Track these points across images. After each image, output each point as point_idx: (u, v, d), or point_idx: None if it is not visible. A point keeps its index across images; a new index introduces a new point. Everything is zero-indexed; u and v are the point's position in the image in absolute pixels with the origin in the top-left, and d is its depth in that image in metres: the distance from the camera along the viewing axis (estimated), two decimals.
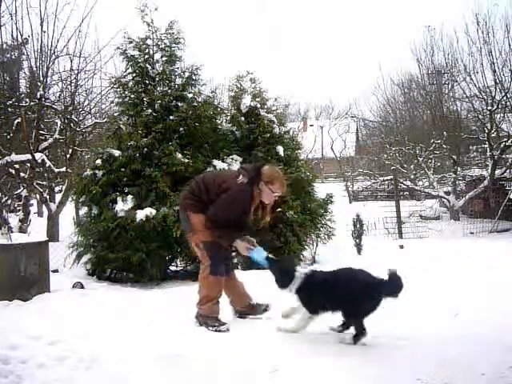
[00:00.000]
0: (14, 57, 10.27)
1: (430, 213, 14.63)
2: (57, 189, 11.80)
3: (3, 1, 8.56)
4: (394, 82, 19.87)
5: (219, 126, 7.26)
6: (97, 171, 6.48)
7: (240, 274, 4.90)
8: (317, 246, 7.73)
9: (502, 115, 13.65)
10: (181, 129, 6.72)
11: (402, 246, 9.49)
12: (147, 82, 6.90)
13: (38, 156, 8.76)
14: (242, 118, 7.39)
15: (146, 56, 6.93)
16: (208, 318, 4.02)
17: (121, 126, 6.85)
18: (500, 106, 13.03)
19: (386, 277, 3.65)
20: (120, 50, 6.97)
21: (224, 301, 4.21)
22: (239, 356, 3.39)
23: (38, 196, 10.51)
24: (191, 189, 4.12)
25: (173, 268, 6.97)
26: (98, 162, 6.52)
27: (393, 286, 3.62)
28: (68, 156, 10.23)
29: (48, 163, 9.41)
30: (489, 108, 12.92)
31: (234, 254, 5.05)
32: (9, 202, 9.28)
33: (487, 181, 13.05)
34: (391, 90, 20.40)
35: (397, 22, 58.81)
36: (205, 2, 65.02)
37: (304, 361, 3.32)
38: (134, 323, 4.04)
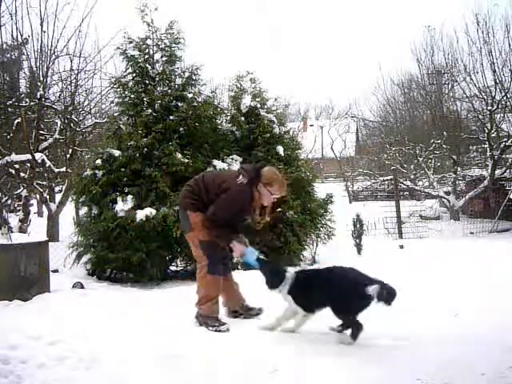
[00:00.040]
0: (14, 57, 10.27)
1: (429, 213, 14.63)
2: (57, 189, 11.80)
3: (3, 1, 8.57)
4: (394, 81, 19.90)
5: (219, 126, 7.26)
6: (97, 171, 6.48)
7: (239, 275, 4.90)
8: (317, 245, 7.73)
9: (502, 115, 13.64)
10: (181, 129, 6.72)
11: (402, 246, 9.48)
12: (147, 81, 6.90)
13: (38, 156, 8.76)
14: (242, 118, 7.39)
15: (146, 56, 6.93)
16: (208, 318, 4.03)
17: (121, 126, 6.85)
18: (500, 106, 13.03)
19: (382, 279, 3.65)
20: (120, 50, 6.96)
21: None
22: (239, 356, 3.39)
23: (38, 196, 10.52)
24: (191, 188, 4.12)
25: (173, 268, 6.97)
26: (98, 162, 6.52)
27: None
28: (68, 156, 10.23)
29: (48, 163, 9.41)
30: (489, 108, 12.91)
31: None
32: (9, 202, 9.28)
33: (487, 181, 13.05)
34: (391, 90, 20.42)
35: (397, 22, 58.87)
36: (205, 1, 65.04)
37: (304, 361, 3.32)
38: (133, 323, 4.04)
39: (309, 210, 7.27)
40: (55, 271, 6.38)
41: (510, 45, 12.73)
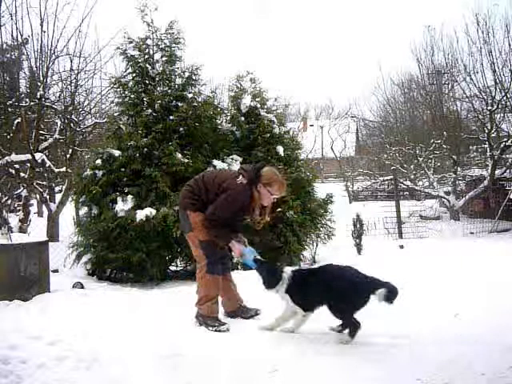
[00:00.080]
0: (14, 57, 10.26)
1: (430, 213, 14.62)
2: (57, 189, 11.78)
3: (3, 1, 8.57)
4: (393, 82, 19.86)
5: (219, 126, 7.26)
6: (97, 171, 6.48)
7: (239, 275, 4.91)
8: (317, 245, 7.74)
9: (502, 115, 13.61)
10: (181, 129, 6.72)
11: (402, 246, 9.49)
12: (147, 81, 6.90)
13: (38, 156, 8.77)
14: (242, 118, 7.39)
15: (146, 56, 6.93)
16: (208, 318, 4.03)
17: (121, 126, 6.85)
18: (500, 106, 13.00)
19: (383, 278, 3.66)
20: (120, 50, 6.97)
21: None
22: (239, 356, 3.40)
23: (38, 196, 10.51)
24: (191, 188, 4.13)
25: (173, 268, 6.97)
26: (98, 162, 6.52)
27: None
28: (68, 156, 10.22)
29: (48, 163, 9.41)
30: (489, 108, 12.89)
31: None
32: (9, 202, 9.28)
33: (487, 181, 13.03)
34: (391, 90, 20.39)
35: (397, 22, 58.92)
36: (205, 1, 65.03)
37: (304, 361, 3.32)
38: (133, 323, 4.03)
39: (309, 210, 7.27)
40: (55, 271, 6.38)
41: (510, 45, 12.71)
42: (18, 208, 9.57)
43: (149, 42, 6.96)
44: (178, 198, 5.02)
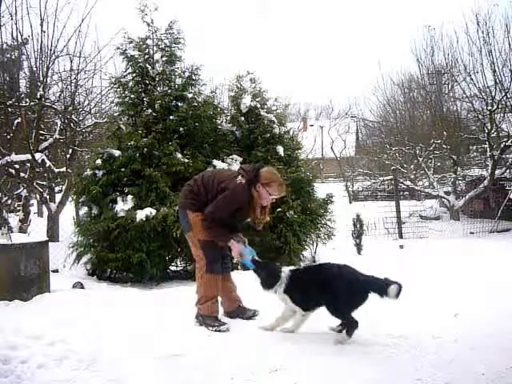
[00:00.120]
0: (14, 57, 10.25)
1: (430, 213, 14.62)
2: (57, 189, 11.78)
3: (3, 1, 8.54)
4: (393, 81, 19.84)
5: (219, 126, 7.26)
6: (97, 171, 6.48)
7: (239, 275, 4.90)
8: (317, 245, 7.74)
9: (501, 115, 13.61)
10: (181, 129, 6.72)
11: (402, 246, 9.49)
12: (147, 82, 6.90)
13: (38, 156, 8.76)
14: (242, 118, 7.39)
15: (146, 56, 6.93)
16: (208, 318, 4.03)
17: (121, 126, 6.85)
18: (500, 106, 12.99)
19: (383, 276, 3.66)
20: (120, 50, 6.97)
21: None
22: (239, 356, 3.40)
23: (37, 196, 10.51)
24: (190, 188, 4.13)
25: (173, 268, 6.97)
26: (98, 162, 6.52)
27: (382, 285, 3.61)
28: (68, 156, 10.22)
29: (48, 163, 9.41)
30: (489, 108, 12.89)
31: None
32: (9, 201, 9.27)
33: (487, 181, 13.03)
34: (391, 90, 20.36)
35: (397, 22, 59.00)
36: (205, 1, 65.05)
37: (304, 360, 3.32)
38: (133, 323, 4.04)
39: (309, 209, 7.27)
40: (55, 271, 6.38)
41: (510, 45, 12.70)
42: (18, 208, 9.55)
43: (149, 41, 6.97)
44: (177, 198, 5.02)
